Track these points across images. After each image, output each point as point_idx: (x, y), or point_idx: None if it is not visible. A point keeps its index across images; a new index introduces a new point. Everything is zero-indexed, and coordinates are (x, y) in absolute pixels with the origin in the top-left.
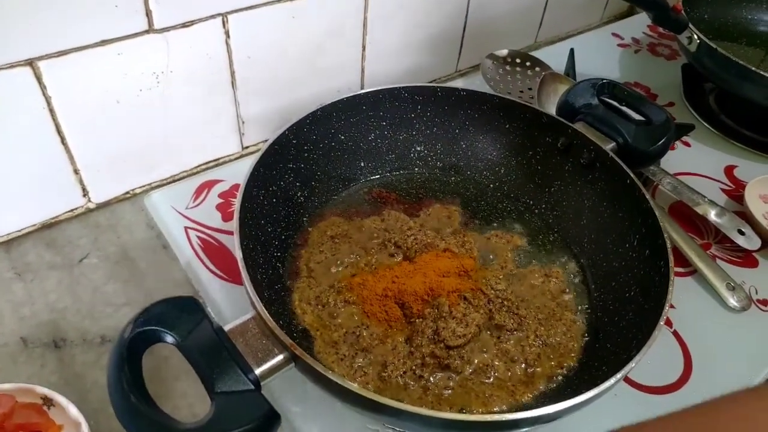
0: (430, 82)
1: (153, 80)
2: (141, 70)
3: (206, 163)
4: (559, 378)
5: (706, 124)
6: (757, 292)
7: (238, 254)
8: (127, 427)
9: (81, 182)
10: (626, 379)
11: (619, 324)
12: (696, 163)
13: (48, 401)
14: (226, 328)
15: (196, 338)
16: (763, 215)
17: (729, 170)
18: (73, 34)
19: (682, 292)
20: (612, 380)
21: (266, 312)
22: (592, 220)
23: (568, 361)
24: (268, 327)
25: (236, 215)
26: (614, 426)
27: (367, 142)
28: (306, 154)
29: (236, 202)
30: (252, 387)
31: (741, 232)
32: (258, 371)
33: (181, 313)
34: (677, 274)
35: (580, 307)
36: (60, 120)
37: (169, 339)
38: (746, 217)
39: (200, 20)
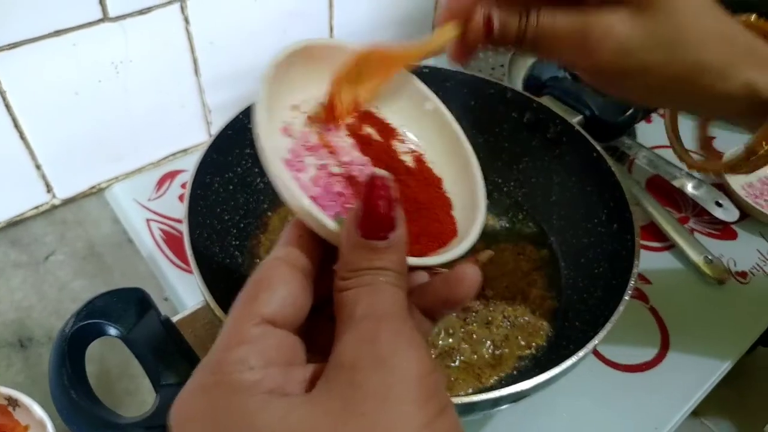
0: None
1: (112, 70)
2: (98, 60)
3: (174, 154)
4: (528, 358)
5: None
6: (735, 265)
7: (187, 241)
8: (66, 422)
9: (44, 178)
10: (602, 358)
11: (588, 301)
12: None
13: (13, 402)
14: (175, 319)
15: (142, 330)
16: (742, 186)
17: (707, 142)
18: (24, 26)
19: (659, 267)
20: (574, 358)
21: (213, 300)
22: (561, 196)
23: (537, 341)
24: (217, 316)
25: (186, 203)
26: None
27: None
28: None
29: (186, 190)
30: None
31: (719, 204)
32: None
33: (127, 305)
34: (654, 249)
35: (549, 286)
36: (17, 114)
37: (113, 332)
38: (724, 188)
39: (157, 6)
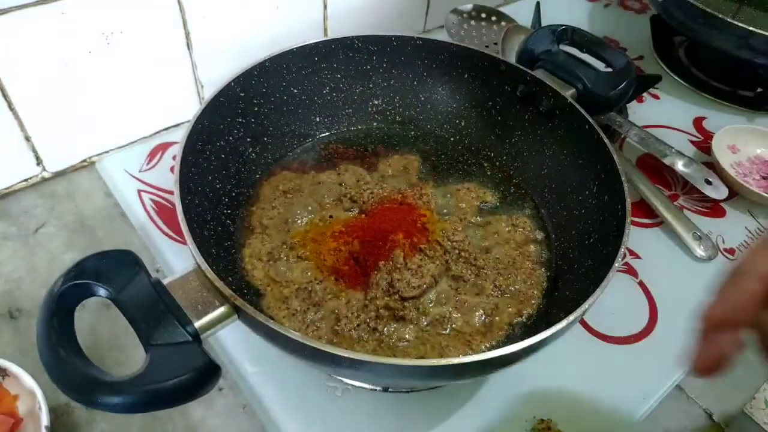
0: None
1: (102, 41)
2: (88, 30)
3: (166, 128)
4: (518, 327)
5: (675, 77)
6: (723, 242)
7: (178, 207)
8: (54, 380)
9: (34, 150)
10: (591, 330)
11: (578, 271)
12: (665, 115)
13: (2, 371)
14: (166, 281)
15: (132, 292)
16: (731, 165)
17: (698, 122)
18: None
19: (648, 243)
20: (563, 323)
21: (205, 263)
22: (552, 169)
23: (527, 310)
24: (208, 279)
25: (177, 169)
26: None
27: (321, 96)
28: (256, 108)
29: (177, 156)
30: (190, 339)
31: (708, 182)
32: (197, 324)
33: (117, 266)
34: (644, 225)
35: (541, 256)
36: (5, 84)
37: (103, 292)
38: (714, 167)
39: None
